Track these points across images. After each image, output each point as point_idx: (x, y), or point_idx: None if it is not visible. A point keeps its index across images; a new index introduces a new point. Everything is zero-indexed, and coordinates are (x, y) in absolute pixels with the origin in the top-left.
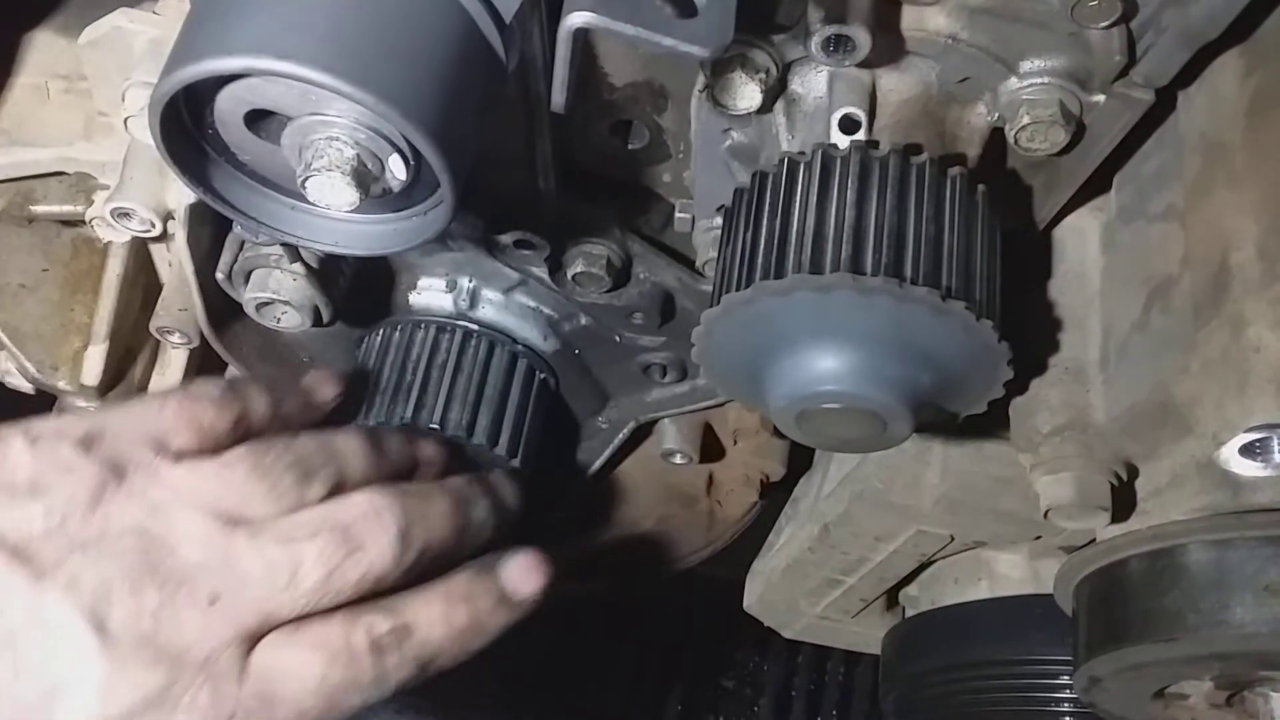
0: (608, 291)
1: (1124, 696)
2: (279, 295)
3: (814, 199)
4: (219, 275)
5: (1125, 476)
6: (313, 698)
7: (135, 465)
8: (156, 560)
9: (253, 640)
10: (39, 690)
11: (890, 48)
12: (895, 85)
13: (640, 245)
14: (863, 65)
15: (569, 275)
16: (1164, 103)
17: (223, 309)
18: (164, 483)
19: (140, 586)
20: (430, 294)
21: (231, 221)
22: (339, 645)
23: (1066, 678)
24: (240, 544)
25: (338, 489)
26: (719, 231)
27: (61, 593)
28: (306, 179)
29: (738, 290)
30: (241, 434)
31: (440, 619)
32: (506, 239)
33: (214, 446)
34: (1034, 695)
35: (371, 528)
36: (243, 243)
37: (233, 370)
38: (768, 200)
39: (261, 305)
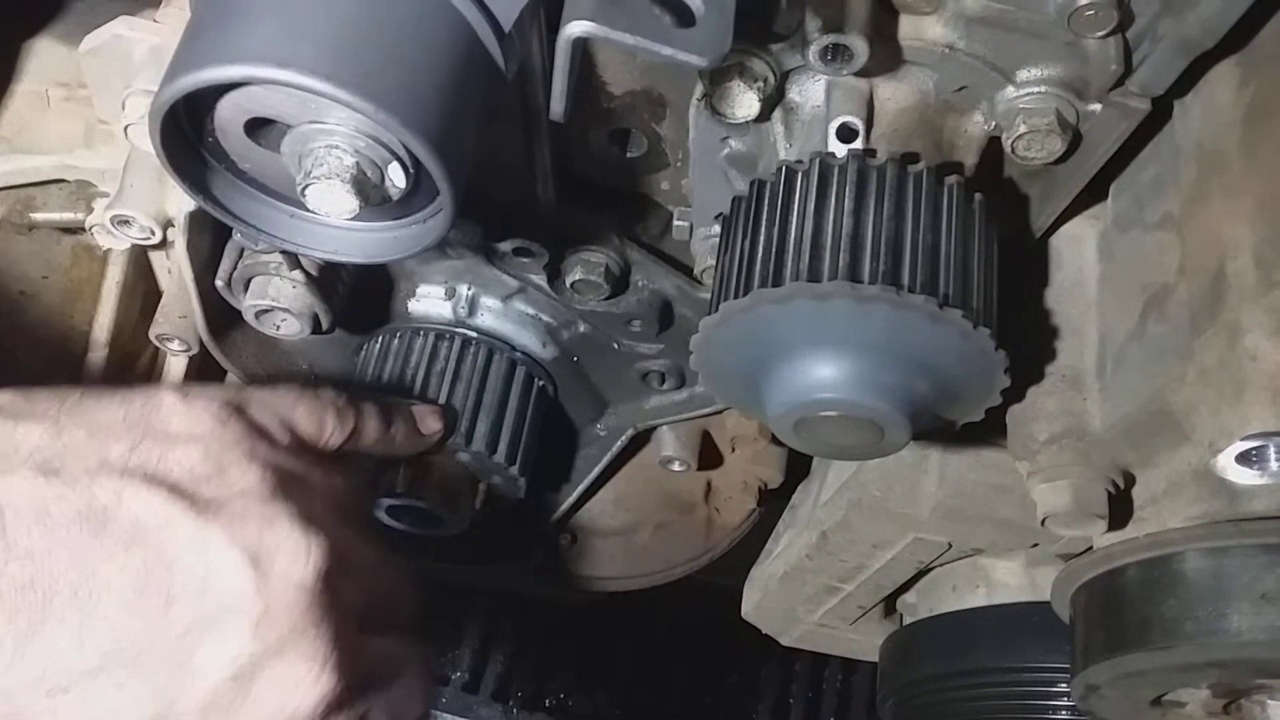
0: (606, 299)
1: (1121, 704)
2: (278, 302)
3: (812, 207)
4: (218, 282)
5: (1122, 484)
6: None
7: (274, 437)
8: (310, 515)
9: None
10: (190, 619)
11: (888, 57)
12: (893, 94)
13: (639, 253)
14: (860, 74)
15: (568, 283)
16: (1160, 112)
17: (222, 316)
18: (299, 459)
19: (298, 536)
20: (429, 301)
21: (231, 229)
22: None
23: (1064, 685)
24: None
25: None
26: (717, 239)
27: (223, 530)
28: (306, 187)
29: (736, 298)
30: (350, 444)
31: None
32: (505, 246)
33: (323, 446)
34: (1032, 703)
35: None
36: (242, 250)
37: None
38: (766, 208)
39: (261, 312)
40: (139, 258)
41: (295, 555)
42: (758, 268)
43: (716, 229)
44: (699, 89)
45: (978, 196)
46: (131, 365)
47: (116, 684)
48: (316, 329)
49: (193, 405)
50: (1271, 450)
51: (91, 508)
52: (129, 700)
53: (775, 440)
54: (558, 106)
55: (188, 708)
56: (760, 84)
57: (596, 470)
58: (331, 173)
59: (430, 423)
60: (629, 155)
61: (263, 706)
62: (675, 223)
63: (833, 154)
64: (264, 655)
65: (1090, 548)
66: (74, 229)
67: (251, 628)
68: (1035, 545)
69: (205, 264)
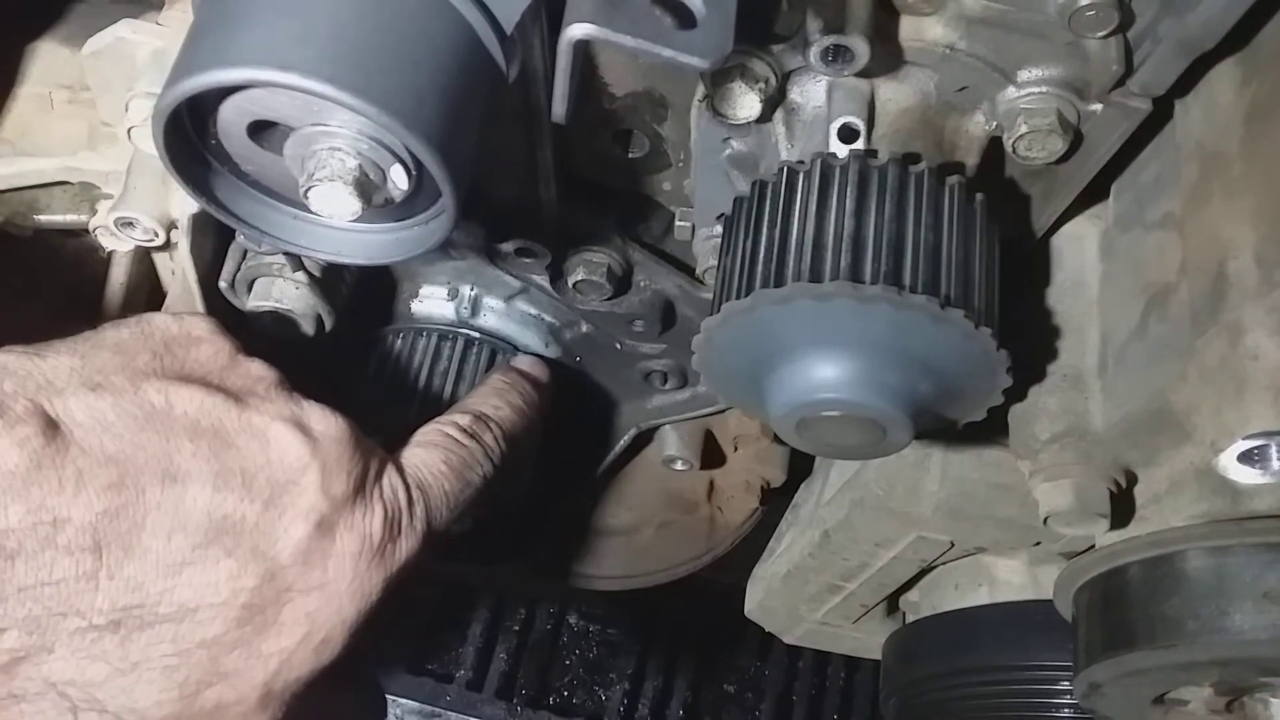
0: (609, 299)
1: (1124, 702)
2: (282, 304)
3: (813, 208)
4: (222, 284)
5: (1124, 483)
6: (447, 478)
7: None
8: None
9: None
10: (268, 487)
11: (889, 57)
12: (894, 95)
13: (641, 253)
14: (861, 75)
15: (570, 283)
16: (1161, 112)
17: (226, 318)
18: None
19: (315, 403)
20: (432, 302)
21: (234, 231)
22: (441, 439)
23: (1066, 683)
24: None
25: None
26: (719, 240)
27: (260, 410)
28: (309, 189)
29: (738, 298)
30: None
31: (502, 404)
32: (508, 247)
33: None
34: (1034, 701)
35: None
36: (246, 252)
37: None
38: (767, 209)
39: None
40: (143, 260)
41: (324, 417)
42: (759, 268)
43: (718, 229)
44: (700, 90)
45: (979, 196)
46: None
47: (226, 551)
48: (320, 330)
49: (182, 318)
50: (1273, 449)
51: (147, 409)
52: (240, 564)
53: (778, 439)
54: (559, 108)
55: (290, 561)
56: (761, 85)
57: (599, 470)
58: (334, 175)
59: (539, 368)
60: (631, 156)
61: (349, 546)
62: (677, 223)
63: (834, 154)
64: (336, 502)
65: (1092, 546)
66: (77, 231)
67: (318, 482)
68: (1037, 544)
69: (209, 266)
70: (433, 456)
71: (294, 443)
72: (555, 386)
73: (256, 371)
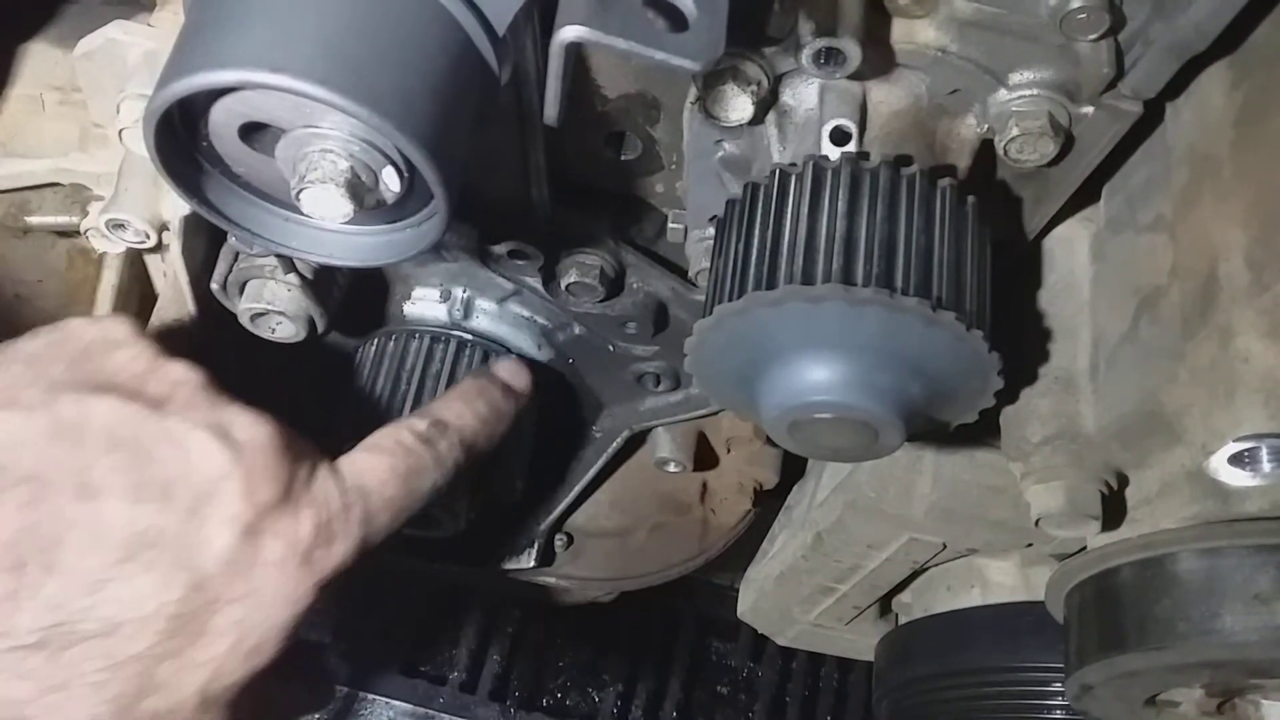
0: (601, 301)
1: (1115, 704)
2: (274, 306)
3: (805, 210)
4: (214, 286)
5: (1115, 485)
6: (391, 484)
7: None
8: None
9: None
10: (190, 497)
11: (881, 60)
12: (886, 97)
13: (633, 255)
14: (853, 77)
15: (563, 285)
16: (1152, 114)
17: (218, 319)
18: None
19: (239, 406)
20: (424, 304)
21: (226, 233)
22: (393, 444)
23: (1058, 685)
24: None
25: None
26: (711, 242)
27: (181, 418)
28: (301, 191)
29: (730, 301)
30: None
31: (466, 411)
32: (500, 249)
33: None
34: (1026, 702)
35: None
36: (237, 254)
37: None
38: (760, 211)
39: (256, 316)
40: (134, 261)
41: (249, 422)
42: (751, 270)
43: (711, 231)
44: (693, 92)
45: (971, 199)
46: None
47: (148, 565)
48: (312, 332)
49: (100, 321)
50: (1264, 452)
51: (61, 424)
52: (163, 577)
53: (770, 441)
54: (551, 110)
55: (215, 571)
56: (754, 87)
57: (592, 472)
58: (326, 177)
59: (520, 376)
60: (624, 158)
61: (276, 553)
62: (670, 225)
63: (826, 157)
64: (261, 509)
65: (1084, 548)
66: (69, 232)
67: (241, 490)
68: (1029, 545)
69: (200, 267)
70: (379, 461)
71: (215, 450)
72: (536, 393)
73: (178, 375)
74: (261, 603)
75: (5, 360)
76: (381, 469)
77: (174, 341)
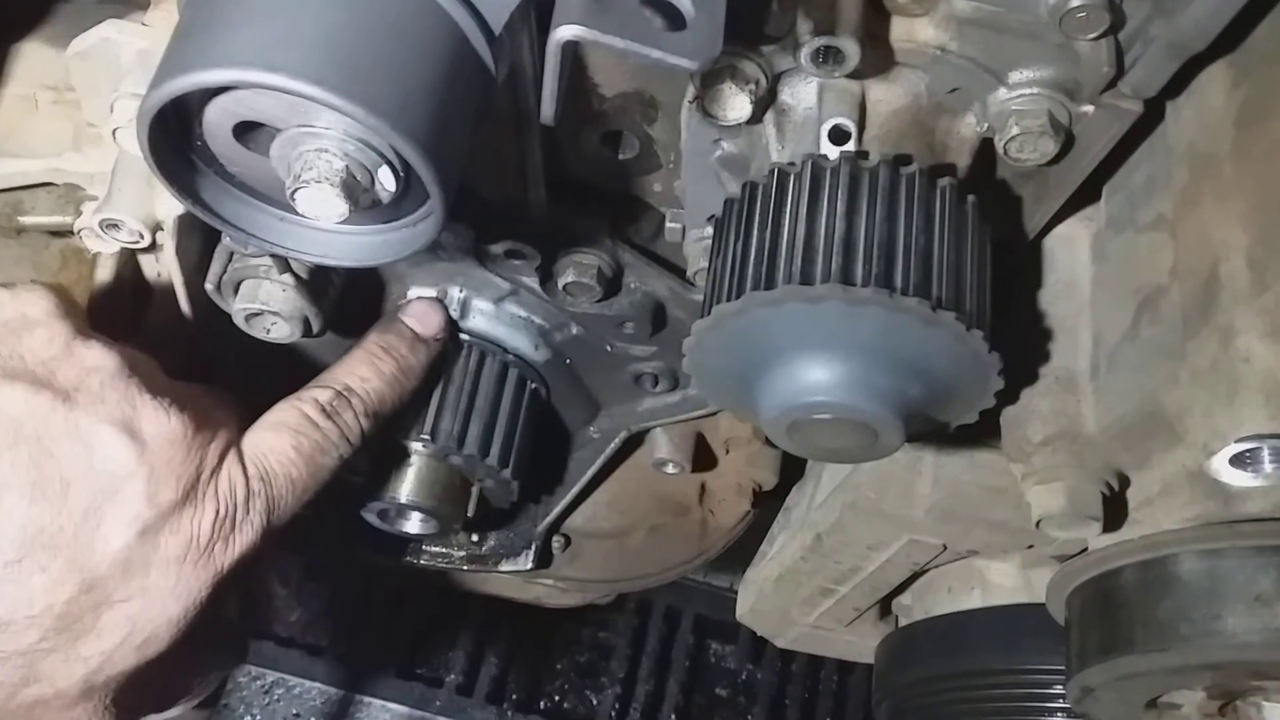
0: (599, 301)
1: (1117, 706)
2: (268, 306)
3: (804, 210)
4: (208, 286)
5: (1116, 486)
6: (296, 465)
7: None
8: (162, 381)
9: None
10: (88, 496)
11: (880, 59)
12: (885, 96)
13: (631, 255)
14: (852, 76)
15: (560, 285)
16: (1152, 113)
17: (213, 319)
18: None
19: (151, 398)
20: None
21: (220, 233)
22: (296, 419)
23: (1059, 687)
24: None
25: None
26: (710, 241)
27: (88, 412)
28: (296, 191)
29: (729, 301)
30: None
31: (371, 374)
32: (497, 249)
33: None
34: (1027, 705)
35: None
36: (232, 254)
37: None
38: (758, 211)
39: (251, 316)
40: (128, 261)
41: (157, 416)
42: (750, 270)
43: (709, 231)
44: (691, 91)
45: (970, 198)
46: None
47: (40, 566)
48: (307, 332)
49: (17, 294)
50: (1265, 452)
51: None
52: (55, 578)
53: (769, 442)
54: (548, 109)
55: (108, 572)
56: (752, 86)
57: (590, 473)
58: (321, 176)
59: (431, 319)
60: (621, 157)
61: (173, 550)
62: (668, 225)
63: (825, 156)
64: (162, 509)
65: (1085, 549)
66: (62, 232)
67: (143, 490)
68: (1030, 547)
69: (194, 267)
70: (282, 441)
71: (120, 448)
72: (448, 338)
73: (92, 361)
74: (155, 599)
75: None
76: (285, 449)
77: (100, 314)
